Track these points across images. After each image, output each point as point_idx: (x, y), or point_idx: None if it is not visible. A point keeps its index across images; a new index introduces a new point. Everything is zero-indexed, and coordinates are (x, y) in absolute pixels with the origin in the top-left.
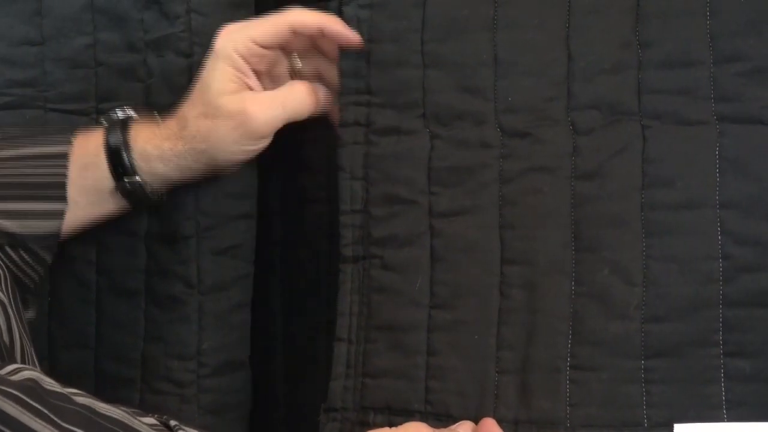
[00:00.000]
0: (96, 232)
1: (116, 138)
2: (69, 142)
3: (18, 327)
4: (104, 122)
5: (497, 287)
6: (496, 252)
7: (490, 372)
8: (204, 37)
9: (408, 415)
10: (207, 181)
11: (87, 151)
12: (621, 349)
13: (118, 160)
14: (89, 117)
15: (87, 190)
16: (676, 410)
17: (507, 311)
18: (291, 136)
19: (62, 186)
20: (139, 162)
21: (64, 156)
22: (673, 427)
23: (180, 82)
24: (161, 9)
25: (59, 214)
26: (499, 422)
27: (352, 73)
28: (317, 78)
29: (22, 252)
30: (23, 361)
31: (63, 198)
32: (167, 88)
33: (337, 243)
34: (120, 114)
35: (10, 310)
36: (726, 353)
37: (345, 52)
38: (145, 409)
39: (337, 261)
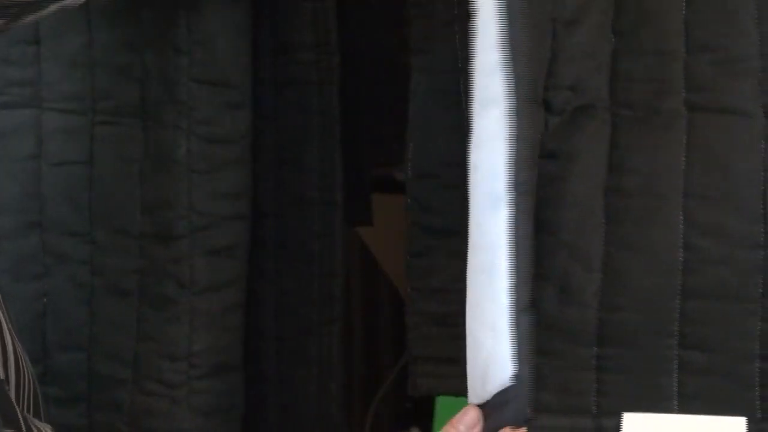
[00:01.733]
0: (90, 232)
1: None
2: None
3: (8, 330)
4: None
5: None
6: None
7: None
8: (200, 34)
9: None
10: (201, 181)
11: None
12: (575, 335)
13: None
14: (86, 116)
15: None
16: (628, 399)
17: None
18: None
19: None
20: None
21: None
22: (622, 416)
23: (176, 79)
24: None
25: None
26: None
27: None
28: None
29: None
30: (17, 366)
31: None
32: (163, 85)
33: (330, 244)
34: None
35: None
36: (682, 345)
37: None
38: (135, 411)
39: (330, 261)
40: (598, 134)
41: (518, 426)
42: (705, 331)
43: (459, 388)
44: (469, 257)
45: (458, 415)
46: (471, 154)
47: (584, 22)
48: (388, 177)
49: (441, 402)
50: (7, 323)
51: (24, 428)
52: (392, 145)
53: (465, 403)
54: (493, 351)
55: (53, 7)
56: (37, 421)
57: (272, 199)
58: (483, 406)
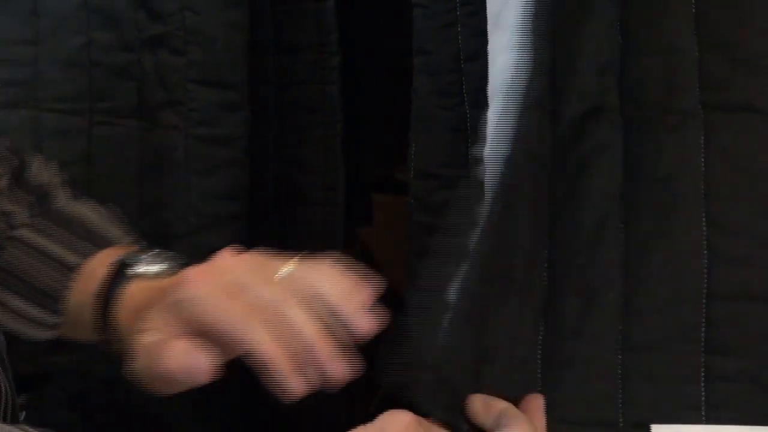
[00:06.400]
0: None
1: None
2: (87, 255)
3: None
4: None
5: None
6: None
7: (470, 362)
8: (198, 35)
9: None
10: (198, 181)
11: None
12: (597, 343)
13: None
14: (84, 116)
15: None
16: (654, 409)
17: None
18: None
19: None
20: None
21: (74, 269)
22: (649, 427)
23: (174, 80)
24: (154, 7)
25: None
26: None
27: None
28: None
29: None
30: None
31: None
32: (161, 86)
33: (332, 244)
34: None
35: None
36: (708, 350)
37: None
38: (133, 410)
39: None
40: (610, 139)
41: None
42: (731, 336)
43: None
44: None
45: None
46: None
47: (585, 25)
48: (388, 177)
49: None
50: None
51: None
52: (392, 145)
53: None
54: None
55: None
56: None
57: (274, 199)
58: None
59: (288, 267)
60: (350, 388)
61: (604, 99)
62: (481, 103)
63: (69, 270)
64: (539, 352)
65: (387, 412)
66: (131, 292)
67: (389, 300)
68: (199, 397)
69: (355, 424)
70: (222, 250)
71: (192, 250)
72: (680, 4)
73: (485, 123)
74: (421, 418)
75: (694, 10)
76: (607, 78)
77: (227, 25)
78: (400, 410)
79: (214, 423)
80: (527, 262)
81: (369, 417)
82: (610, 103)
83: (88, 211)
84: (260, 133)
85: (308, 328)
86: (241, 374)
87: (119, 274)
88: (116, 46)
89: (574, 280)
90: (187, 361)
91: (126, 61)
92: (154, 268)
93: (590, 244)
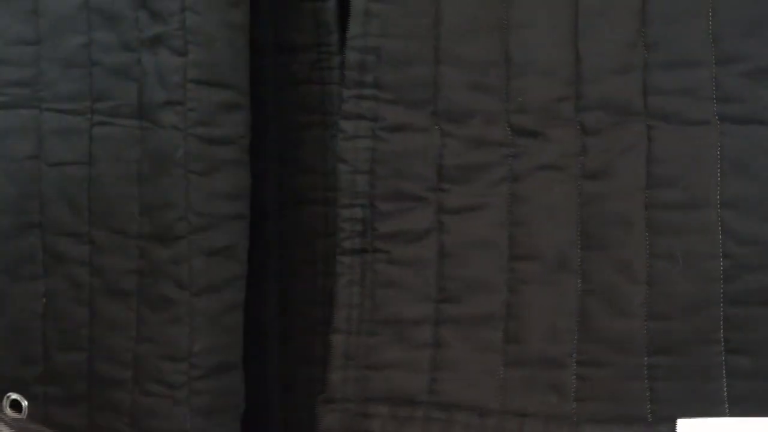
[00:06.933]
0: (89, 233)
1: None
2: None
3: None
4: None
5: (506, 283)
6: (504, 248)
7: (497, 365)
8: (198, 35)
9: (411, 405)
10: (199, 182)
11: None
12: (625, 346)
13: None
14: (84, 116)
15: None
16: (680, 406)
17: (515, 306)
18: (287, 137)
19: None
20: None
21: None
22: (676, 421)
23: (174, 80)
24: (155, 7)
25: None
26: (506, 414)
27: (358, 66)
28: None
29: None
30: None
31: None
32: (161, 86)
33: (332, 243)
34: None
35: None
36: (727, 350)
37: (352, 43)
38: (136, 412)
39: (334, 260)
40: (635, 149)
41: None
42: (749, 337)
43: None
44: None
45: None
46: None
47: (606, 39)
48: None
49: None
50: None
51: None
52: None
53: None
54: None
55: None
56: None
57: (274, 200)
58: None
59: None
60: None
61: (628, 111)
62: None
63: None
64: (575, 354)
65: None
66: None
67: None
68: (205, 394)
69: None
70: None
71: (192, 250)
72: (698, 18)
73: None
74: None
75: (710, 23)
76: (630, 91)
77: (228, 25)
78: None
79: (219, 421)
80: (550, 267)
81: None
82: (634, 115)
83: None
84: (260, 133)
85: None
86: None
87: None
88: (116, 46)
89: (605, 286)
90: None
91: (126, 61)
92: None
93: (617, 252)
